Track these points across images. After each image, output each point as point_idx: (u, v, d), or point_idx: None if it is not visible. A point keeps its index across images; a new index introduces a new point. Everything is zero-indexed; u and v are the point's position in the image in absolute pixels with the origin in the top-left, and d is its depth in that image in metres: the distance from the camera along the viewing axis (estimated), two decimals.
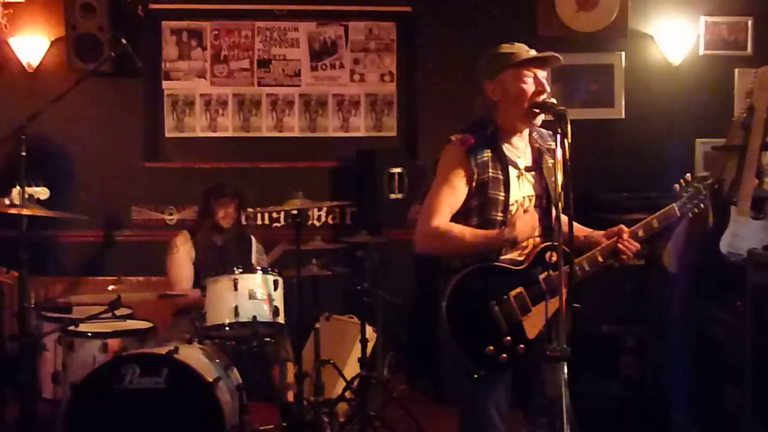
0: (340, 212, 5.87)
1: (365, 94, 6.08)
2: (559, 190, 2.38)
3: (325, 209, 5.85)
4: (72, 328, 3.97)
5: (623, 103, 5.91)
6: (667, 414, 4.19)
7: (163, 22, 5.97)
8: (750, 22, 5.87)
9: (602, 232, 2.80)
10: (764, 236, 3.91)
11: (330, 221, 5.85)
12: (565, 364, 2.23)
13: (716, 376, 4.02)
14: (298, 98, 6.05)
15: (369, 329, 4.74)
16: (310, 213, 5.81)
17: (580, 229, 2.80)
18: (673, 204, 2.85)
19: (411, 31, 6.00)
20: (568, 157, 2.38)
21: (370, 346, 4.70)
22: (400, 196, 5.39)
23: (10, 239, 4.75)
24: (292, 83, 6.04)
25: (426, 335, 5.50)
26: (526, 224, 2.63)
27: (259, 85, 6.03)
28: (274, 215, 5.82)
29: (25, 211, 3.81)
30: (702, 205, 2.88)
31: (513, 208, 2.71)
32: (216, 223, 4.67)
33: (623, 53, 5.87)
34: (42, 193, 4.09)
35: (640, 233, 2.77)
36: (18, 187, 3.95)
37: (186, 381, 3.53)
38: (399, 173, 5.40)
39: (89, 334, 3.93)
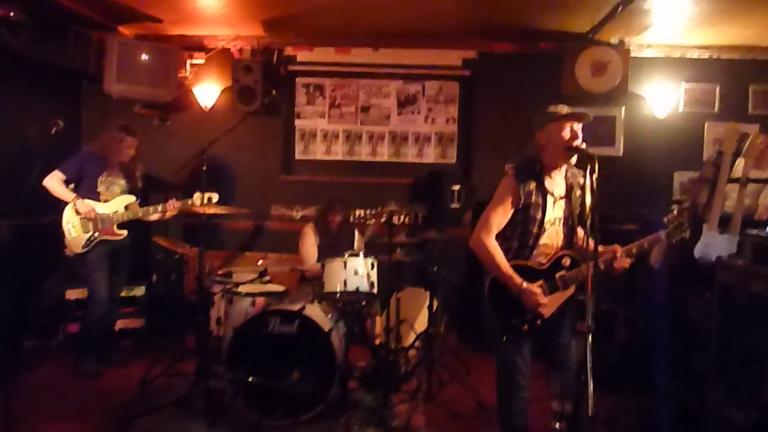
0: (414, 215, 5.85)
1: (435, 133, 6.02)
2: (588, 212, 2.35)
3: (404, 213, 5.82)
4: (231, 287, 4.10)
5: (622, 144, 5.77)
6: (649, 371, 4.06)
7: (297, 79, 6.02)
8: (717, 89, 5.71)
9: (602, 249, 2.71)
10: (727, 246, 3.74)
11: (407, 222, 5.85)
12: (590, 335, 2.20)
13: (688, 347, 3.88)
14: (387, 134, 6.03)
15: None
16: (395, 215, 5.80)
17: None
18: (661, 231, 2.75)
19: (469, 89, 5.95)
20: (596, 187, 2.35)
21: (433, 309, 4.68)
22: (458, 205, 5.36)
23: (192, 225, 4.94)
24: (384, 124, 6.03)
25: (472, 303, 5.45)
26: (532, 300, 2.58)
27: (361, 124, 6.04)
28: (369, 214, 5.83)
29: (204, 210, 3.93)
30: (683, 236, 2.77)
31: (547, 225, 2.68)
32: (328, 225, 4.77)
33: (623, 108, 5.73)
34: (214, 196, 4.18)
35: (634, 251, 2.71)
36: (198, 193, 4.08)
37: (310, 329, 3.59)
38: (458, 189, 5.37)
39: (243, 293, 4.02)
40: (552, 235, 2.71)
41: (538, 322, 2.64)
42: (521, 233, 2.68)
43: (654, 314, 4.17)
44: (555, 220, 2.71)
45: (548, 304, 2.62)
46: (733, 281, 3.31)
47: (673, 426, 3.64)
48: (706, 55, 5.57)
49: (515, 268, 2.63)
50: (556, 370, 2.66)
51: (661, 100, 5.65)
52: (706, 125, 5.70)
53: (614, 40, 5.32)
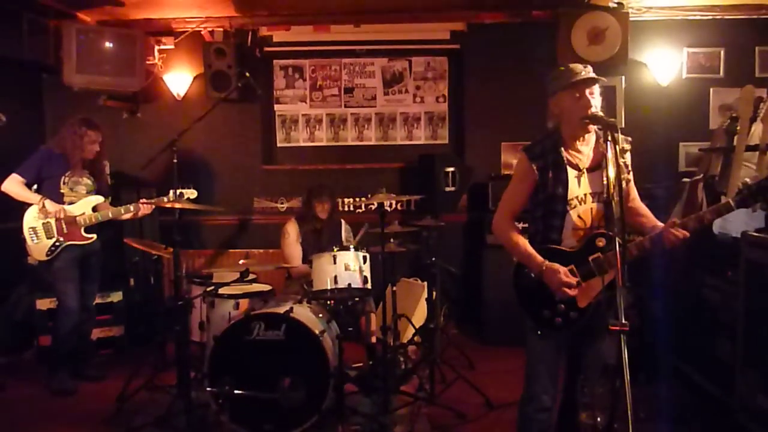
0: (407, 201, 5.53)
1: (424, 112, 5.72)
2: (612, 188, 2.03)
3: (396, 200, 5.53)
4: (211, 288, 3.77)
5: (623, 115, 5.42)
6: (665, 358, 3.78)
7: (274, 61, 5.70)
8: (722, 52, 5.40)
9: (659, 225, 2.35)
10: (747, 220, 3.45)
11: (399, 208, 5.52)
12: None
13: (710, 331, 3.60)
14: (374, 116, 5.72)
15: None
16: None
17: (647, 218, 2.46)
18: (729, 199, 2.28)
19: (459, 64, 5.62)
20: (618, 159, 2.04)
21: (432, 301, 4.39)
22: (453, 188, 5.03)
23: (169, 224, 4.58)
24: (369, 105, 5.72)
25: (471, 292, 5.19)
26: (553, 280, 2.27)
27: (345, 106, 5.72)
28: (357, 203, 5.53)
29: (178, 205, 3.60)
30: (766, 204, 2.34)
31: (573, 203, 2.35)
32: (315, 215, 4.42)
33: (623, 77, 5.39)
34: (191, 193, 3.88)
35: (691, 224, 2.26)
36: (172, 191, 3.75)
37: (299, 334, 3.27)
38: (452, 171, 5.04)
39: (225, 296, 3.72)
40: (585, 214, 2.37)
41: (573, 313, 2.31)
42: (545, 213, 2.39)
43: (669, 296, 3.88)
44: (584, 196, 2.37)
45: (581, 289, 2.29)
46: (763, 258, 3.01)
47: (698, 418, 3.36)
48: (709, 16, 5.23)
49: (544, 252, 2.33)
50: (583, 379, 2.36)
51: (663, 66, 5.33)
52: (711, 91, 5.40)
53: (612, 4, 4.98)
